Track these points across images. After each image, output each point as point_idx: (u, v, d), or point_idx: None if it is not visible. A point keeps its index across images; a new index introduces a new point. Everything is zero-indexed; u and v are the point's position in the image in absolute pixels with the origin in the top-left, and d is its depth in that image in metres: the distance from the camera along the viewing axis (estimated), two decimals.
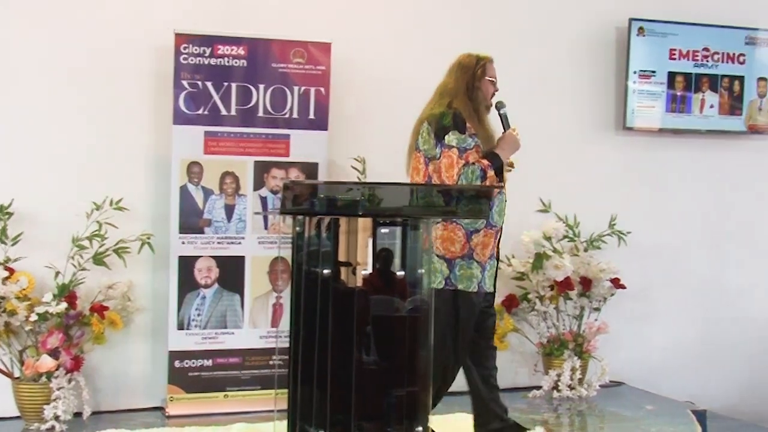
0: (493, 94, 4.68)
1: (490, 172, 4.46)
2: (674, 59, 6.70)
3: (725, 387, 6.87)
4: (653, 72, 6.65)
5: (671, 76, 6.70)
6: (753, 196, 7.03)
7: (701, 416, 5.54)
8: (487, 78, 4.64)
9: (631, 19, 6.52)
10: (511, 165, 4.74)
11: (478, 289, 4.55)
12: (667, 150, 6.76)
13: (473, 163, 4.43)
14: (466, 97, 4.59)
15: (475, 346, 4.69)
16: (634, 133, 6.61)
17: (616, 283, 6.22)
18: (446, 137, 4.48)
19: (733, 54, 6.85)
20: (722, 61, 6.83)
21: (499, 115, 4.69)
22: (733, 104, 6.87)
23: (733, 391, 6.91)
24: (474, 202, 4.08)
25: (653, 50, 6.62)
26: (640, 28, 6.56)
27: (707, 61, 6.78)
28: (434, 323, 4.57)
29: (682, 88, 6.74)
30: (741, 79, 6.87)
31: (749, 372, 7.02)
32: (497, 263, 4.67)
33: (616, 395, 6.17)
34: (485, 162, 4.46)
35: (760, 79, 6.92)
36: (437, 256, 4.54)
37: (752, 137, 6.99)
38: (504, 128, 4.68)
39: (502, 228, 4.65)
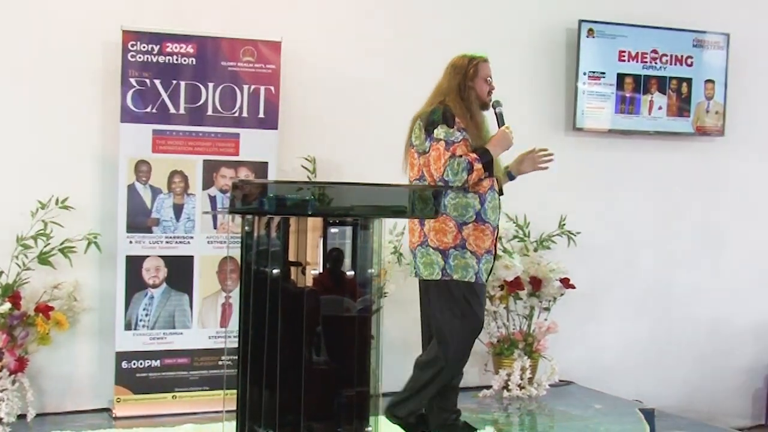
0: (490, 92, 4.75)
1: (478, 166, 4.50)
2: (623, 61, 6.75)
3: (673, 386, 6.94)
4: (603, 73, 6.69)
5: (620, 77, 6.74)
6: (700, 197, 7.11)
7: (649, 415, 5.58)
8: (480, 77, 4.70)
9: (581, 21, 6.56)
10: (550, 154, 4.87)
11: (476, 279, 4.59)
12: (616, 151, 6.81)
13: (460, 156, 4.48)
14: (458, 96, 4.66)
15: None
16: (583, 133, 6.65)
17: (566, 283, 6.24)
18: (435, 131, 4.56)
19: (681, 56, 6.91)
20: (670, 64, 6.89)
21: (495, 113, 4.75)
22: (681, 106, 6.94)
23: (682, 390, 6.99)
24: (425, 201, 4.11)
25: (603, 52, 6.66)
26: (590, 30, 6.60)
27: (656, 63, 6.84)
28: (439, 313, 4.64)
29: (631, 90, 6.79)
30: (689, 81, 6.94)
31: (697, 371, 7.09)
32: (494, 259, 4.71)
33: (566, 394, 6.19)
34: (473, 155, 4.51)
35: (708, 81, 6.99)
36: (431, 248, 4.60)
37: (700, 139, 7.07)
38: (498, 126, 4.74)
39: (498, 226, 4.72)
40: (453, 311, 4.62)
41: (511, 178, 4.95)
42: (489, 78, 4.75)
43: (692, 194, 7.08)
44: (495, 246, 4.71)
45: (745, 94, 7.12)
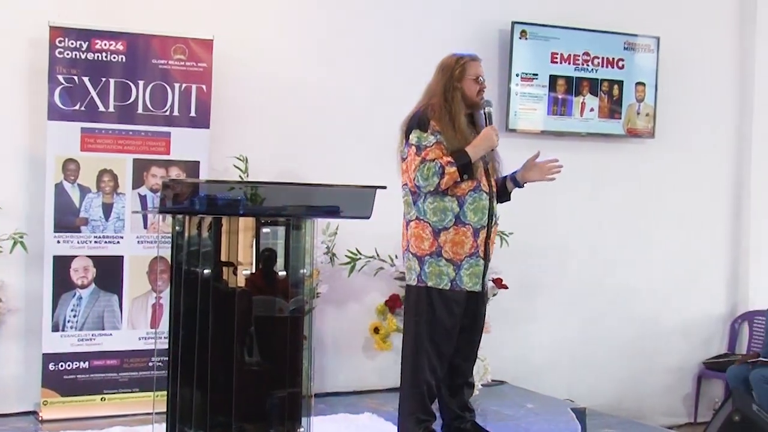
0: (480, 91, 4.66)
1: (450, 169, 4.44)
2: (556, 63, 6.79)
3: (605, 385, 7.00)
4: (535, 75, 6.73)
5: (553, 79, 6.79)
6: (631, 198, 7.18)
7: (581, 414, 5.62)
8: (468, 77, 4.63)
9: (514, 23, 6.59)
10: (559, 166, 4.86)
11: (451, 287, 4.54)
12: (548, 152, 6.75)
13: (432, 160, 4.43)
14: (443, 97, 4.59)
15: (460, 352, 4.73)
16: (516, 134, 6.66)
17: (499, 283, 6.25)
18: (410, 136, 4.52)
19: (613, 59, 6.98)
20: (602, 66, 6.95)
21: (483, 113, 4.66)
22: (613, 108, 7.00)
23: (612, 388, 7.05)
24: (356, 202, 4.11)
25: (535, 53, 6.70)
26: (523, 32, 6.64)
27: (588, 65, 6.90)
28: (409, 319, 4.65)
29: (564, 92, 6.84)
30: (620, 83, 7.01)
31: (628, 370, 7.17)
32: (485, 263, 4.63)
33: (499, 394, 6.21)
34: (446, 159, 4.45)
35: (638, 83, 7.07)
36: (411, 253, 4.59)
37: (631, 140, 7.14)
38: (485, 126, 4.65)
39: (489, 227, 4.62)
40: (418, 317, 4.60)
41: (518, 185, 4.89)
42: (480, 77, 4.67)
43: (623, 195, 7.16)
44: (485, 248, 4.62)
45: (674, 97, 7.21)
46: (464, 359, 4.81)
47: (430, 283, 4.55)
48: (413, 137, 4.50)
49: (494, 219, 4.69)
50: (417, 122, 4.52)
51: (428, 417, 4.64)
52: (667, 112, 7.18)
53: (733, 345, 7.50)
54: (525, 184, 4.93)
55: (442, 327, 4.58)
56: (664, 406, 7.31)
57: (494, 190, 4.70)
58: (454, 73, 4.63)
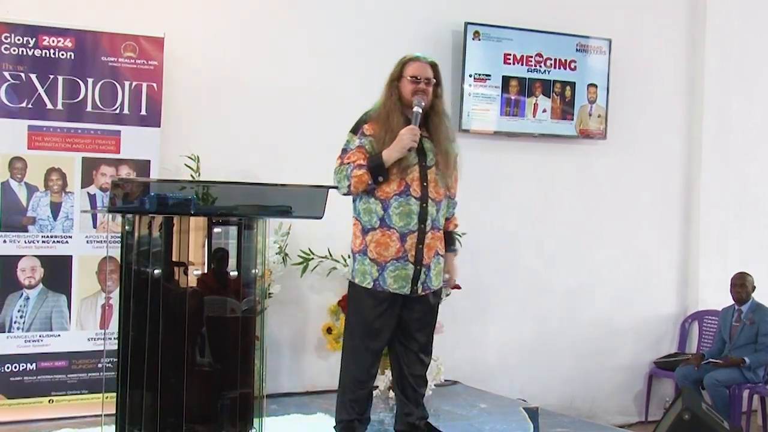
0: (416, 91, 4.54)
1: (358, 172, 4.38)
2: (509, 64, 6.81)
3: (557, 384, 7.04)
4: (488, 76, 6.74)
5: (506, 80, 6.81)
6: (583, 199, 7.22)
7: (533, 414, 5.63)
8: (405, 77, 4.57)
9: (467, 23, 6.60)
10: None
11: (373, 286, 4.49)
12: (501, 152, 6.87)
13: (347, 163, 4.43)
14: (384, 97, 4.59)
15: (401, 350, 4.71)
16: (469, 135, 6.68)
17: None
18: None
19: (565, 60, 7.01)
20: (554, 67, 6.98)
21: (413, 112, 4.56)
22: (565, 109, 7.04)
23: (564, 388, 7.09)
24: (308, 201, 4.10)
25: (488, 54, 6.72)
26: (476, 32, 6.65)
27: (540, 66, 6.93)
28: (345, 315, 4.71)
29: (516, 93, 6.86)
30: (572, 84, 7.05)
31: (579, 370, 7.20)
32: (416, 267, 4.50)
33: (451, 394, 6.22)
34: (357, 162, 4.42)
35: (591, 85, 7.10)
36: (351, 251, 4.60)
37: (582, 141, 7.18)
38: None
39: (421, 232, 4.49)
40: (350, 311, 4.63)
41: None
42: (416, 77, 4.54)
43: (574, 196, 7.20)
44: (417, 253, 4.49)
45: (626, 99, 7.27)
46: (408, 364, 4.73)
47: (356, 280, 4.55)
48: (345, 140, 4.53)
49: (431, 224, 4.55)
50: (354, 125, 4.54)
51: (351, 415, 4.62)
52: (618, 114, 7.23)
53: (684, 344, 7.57)
54: None
55: (366, 323, 4.55)
56: (616, 405, 7.36)
57: (433, 196, 4.55)
58: (394, 74, 4.62)
